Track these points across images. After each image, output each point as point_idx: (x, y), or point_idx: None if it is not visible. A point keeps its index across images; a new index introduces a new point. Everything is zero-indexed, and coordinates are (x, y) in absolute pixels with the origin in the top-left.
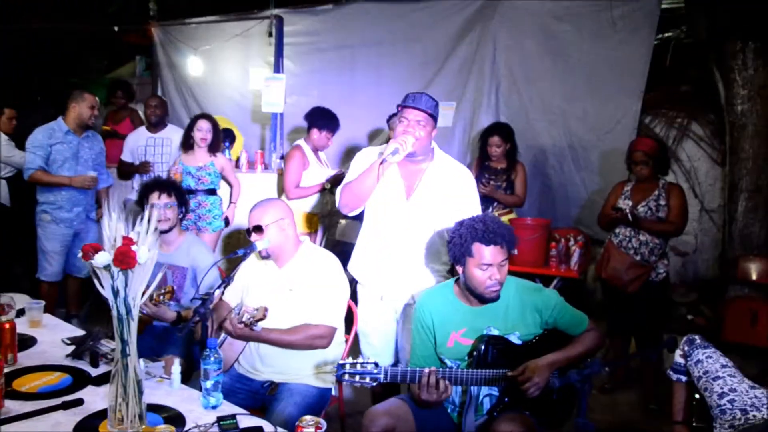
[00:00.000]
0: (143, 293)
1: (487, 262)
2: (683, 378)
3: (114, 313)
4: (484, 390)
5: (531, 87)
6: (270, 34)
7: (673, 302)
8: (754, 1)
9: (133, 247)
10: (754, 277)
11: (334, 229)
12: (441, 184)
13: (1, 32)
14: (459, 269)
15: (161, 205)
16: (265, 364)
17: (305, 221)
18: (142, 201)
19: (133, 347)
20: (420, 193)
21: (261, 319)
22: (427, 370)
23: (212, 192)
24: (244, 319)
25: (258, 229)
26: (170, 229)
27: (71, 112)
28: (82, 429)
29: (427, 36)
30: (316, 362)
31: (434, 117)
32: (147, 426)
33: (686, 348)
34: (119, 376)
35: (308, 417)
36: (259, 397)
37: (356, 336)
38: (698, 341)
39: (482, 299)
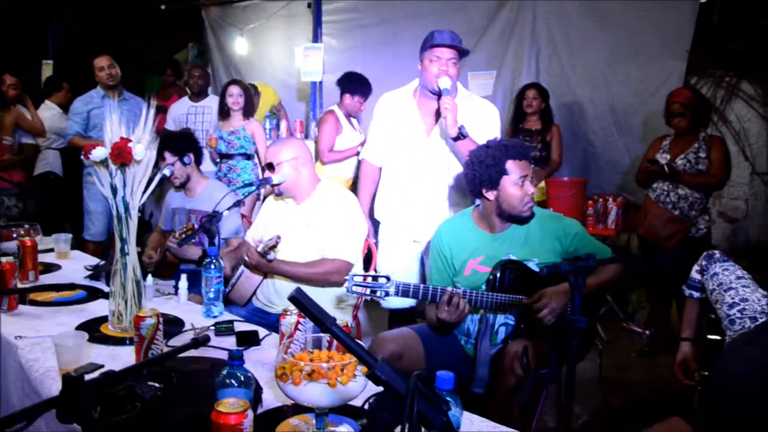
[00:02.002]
0: (175, 234)
1: (523, 175)
2: (696, 294)
3: (113, 212)
4: (500, 319)
5: (572, 52)
6: (309, 5)
7: None
8: None
9: (130, 145)
10: None
11: None
12: (462, 120)
13: (64, 32)
14: (491, 194)
15: (163, 167)
16: (282, 297)
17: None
18: None
19: (132, 247)
20: (440, 130)
21: (274, 247)
22: (445, 288)
23: (246, 157)
24: (258, 249)
25: (271, 166)
26: (184, 182)
27: (97, 80)
28: (83, 327)
29: (468, 6)
30: (332, 297)
31: (461, 52)
32: None
33: (704, 262)
34: (119, 275)
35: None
36: (276, 330)
37: None
38: (717, 255)
39: (520, 219)
